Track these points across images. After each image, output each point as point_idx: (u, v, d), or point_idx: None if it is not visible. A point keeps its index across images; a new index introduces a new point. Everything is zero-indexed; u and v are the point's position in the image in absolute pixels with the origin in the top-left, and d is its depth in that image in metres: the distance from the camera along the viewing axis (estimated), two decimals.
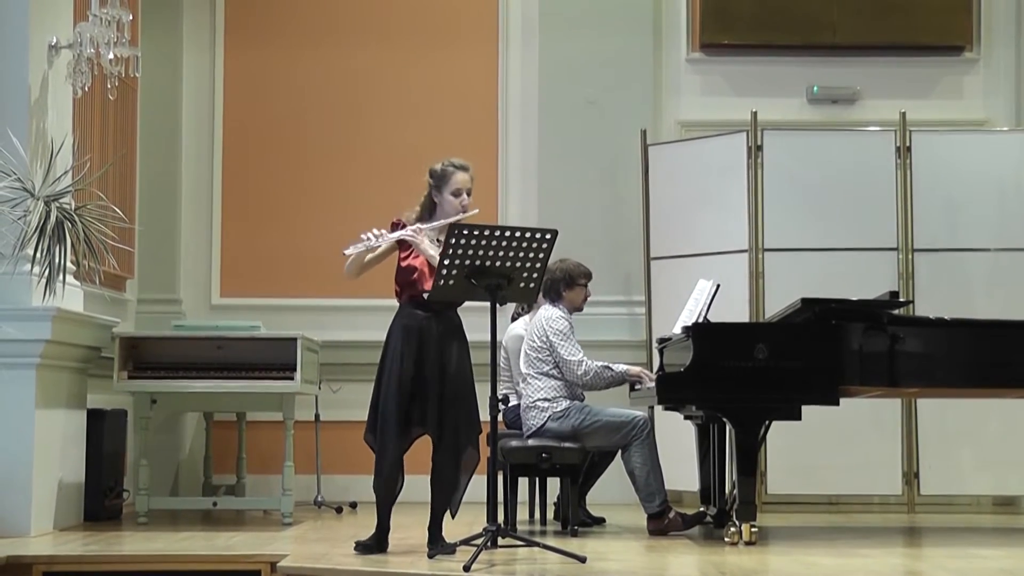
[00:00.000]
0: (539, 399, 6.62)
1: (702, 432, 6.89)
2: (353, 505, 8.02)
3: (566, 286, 6.79)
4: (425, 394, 5.54)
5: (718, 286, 6.63)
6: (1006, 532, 7.08)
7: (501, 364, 7.22)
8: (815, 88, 8.99)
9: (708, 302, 6.53)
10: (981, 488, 8.17)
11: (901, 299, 6.56)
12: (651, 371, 7.01)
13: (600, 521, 7.08)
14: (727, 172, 8.23)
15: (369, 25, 9.02)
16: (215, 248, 8.92)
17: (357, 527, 6.56)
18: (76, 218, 6.22)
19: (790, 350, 6.04)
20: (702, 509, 6.82)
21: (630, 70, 8.90)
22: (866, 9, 8.91)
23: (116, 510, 7.30)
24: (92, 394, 7.11)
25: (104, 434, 7.12)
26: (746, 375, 5.99)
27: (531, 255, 5.44)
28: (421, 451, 5.64)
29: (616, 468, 6.81)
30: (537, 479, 7.23)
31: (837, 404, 6.10)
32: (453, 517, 5.65)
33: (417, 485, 5.72)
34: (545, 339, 6.65)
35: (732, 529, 6.02)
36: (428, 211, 5.76)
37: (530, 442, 6.59)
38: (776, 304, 7.35)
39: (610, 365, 6.67)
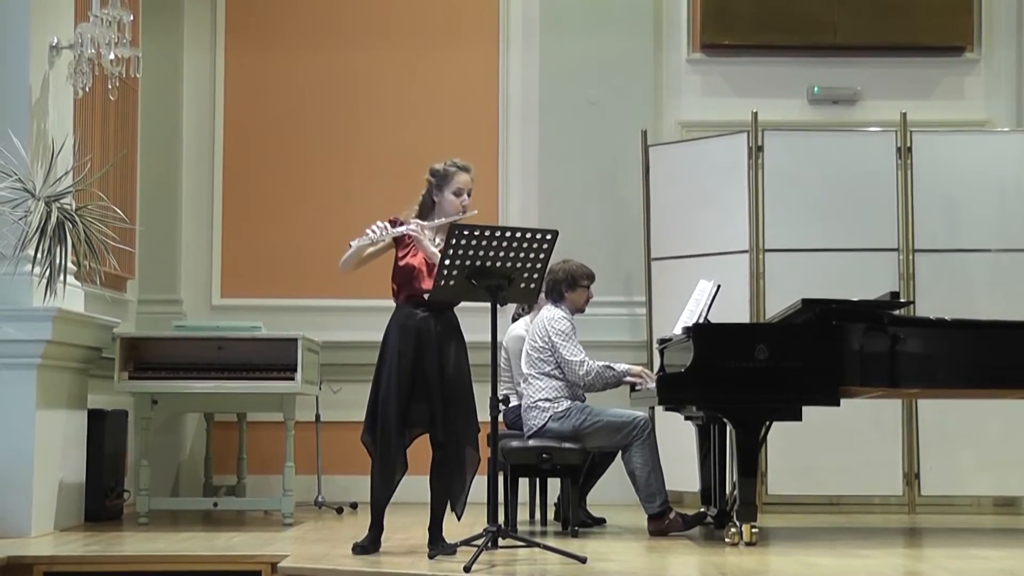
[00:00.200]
0: (540, 399, 6.62)
1: (703, 433, 6.89)
2: (354, 505, 8.01)
3: (569, 287, 6.78)
4: (424, 394, 5.54)
5: (719, 287, 6.62)
6: (1006, 533, 7.07)
7: (501, 364, 7.22)
8: (816, 89, 8.99)
9: (709, 303, 6.53)
10: (982, 489, 8.17)
11: (902, 300, 6.55)
12: (652, 371, 7.01)
13: (601, 522, 7.08)
14: (728, 173, 8.22)
15: (369, 25, 9.02)
16: (216, 248, 8.92)
17: (358, 527, 6.53)
18: (77, 218, 6.21)
19: (791, 351, 6.03)
20: (703, 510, 6.82)
21: (631, 71, 8.90)
22: (867, 9, 8.91)
23: (117, 511, 7.30)
24: (93, 394, 7.11)
25: (105, 434, 7.12)
26: (747, 376, 5.98)
27: (532, 256, 5.43)
28: (421, 451, 5.64)
29: (617, 468, 6.81)
30: (538, 480, 7.23)
31: (838, 405, 6.09)
32: (459, 519, 5.63)
33: (417, 485, 5.72)
34: (547, 339, 6.64)
35: (733, 530, 6.02)
36: (426, 210, 5.77)
37: (531, 442, 6.59)
38: (777, 305, 7.34)
39: (611, 365, 6.66)
